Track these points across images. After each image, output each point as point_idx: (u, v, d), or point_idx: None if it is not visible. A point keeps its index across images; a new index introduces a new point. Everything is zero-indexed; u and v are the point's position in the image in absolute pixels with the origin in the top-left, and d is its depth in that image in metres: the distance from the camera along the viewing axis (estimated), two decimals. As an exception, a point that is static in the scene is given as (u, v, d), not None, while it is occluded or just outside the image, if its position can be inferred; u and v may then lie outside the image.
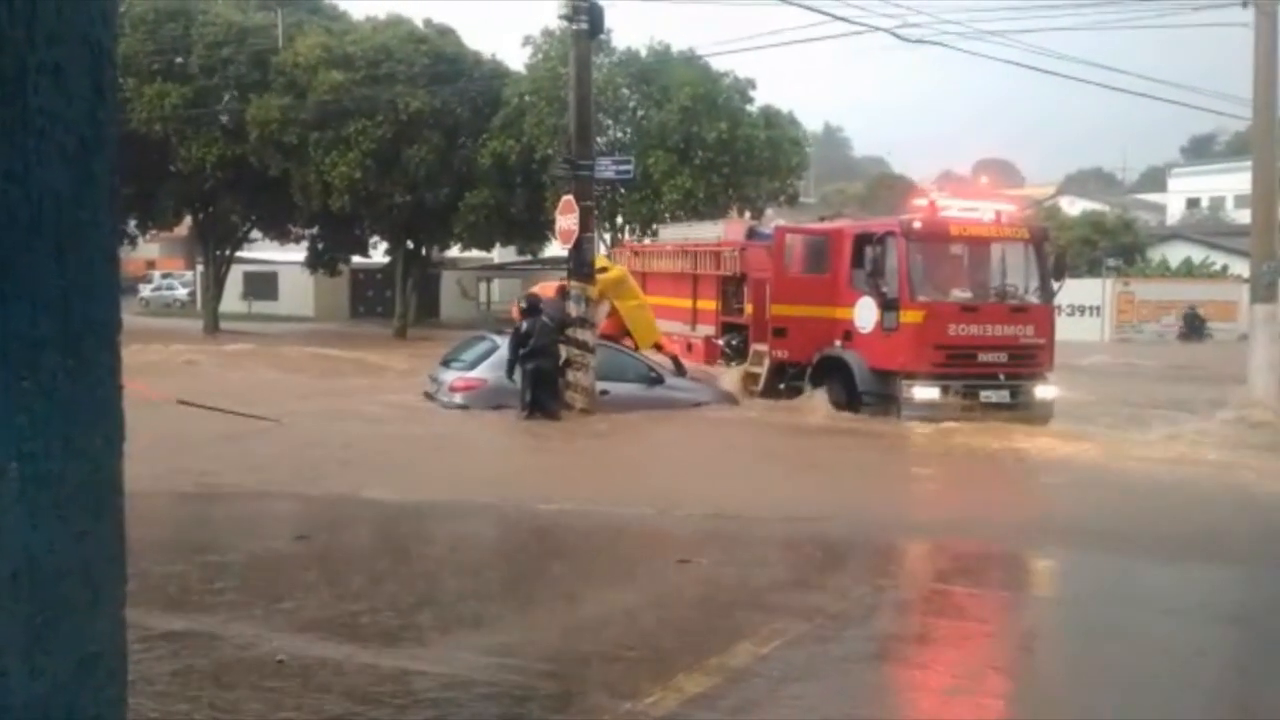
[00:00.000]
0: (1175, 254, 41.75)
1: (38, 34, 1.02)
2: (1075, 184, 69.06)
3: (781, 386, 14.34)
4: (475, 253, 38.96)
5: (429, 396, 13.70)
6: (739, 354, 15.50)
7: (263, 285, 43.98)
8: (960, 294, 13.69)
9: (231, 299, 37.35)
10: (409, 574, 6.33)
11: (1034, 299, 13.74)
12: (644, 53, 28.68)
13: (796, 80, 42.11)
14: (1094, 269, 38.34)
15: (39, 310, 1.03)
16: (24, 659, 1.02)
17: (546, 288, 14.76)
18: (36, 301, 1.03)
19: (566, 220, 14.00)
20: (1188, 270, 39.51)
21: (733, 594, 5.89)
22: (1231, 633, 5.76)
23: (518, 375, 12.66)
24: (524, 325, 12.76)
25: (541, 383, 12.65)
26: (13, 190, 1.00)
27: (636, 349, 14.78)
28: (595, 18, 13.95)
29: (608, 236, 27.10)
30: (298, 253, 37.04)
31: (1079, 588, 6.76)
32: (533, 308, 13.00)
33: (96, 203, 1.09)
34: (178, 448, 9.40)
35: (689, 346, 16.36)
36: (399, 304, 33.34)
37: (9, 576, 1.00)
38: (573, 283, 13.76)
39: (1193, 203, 58.67)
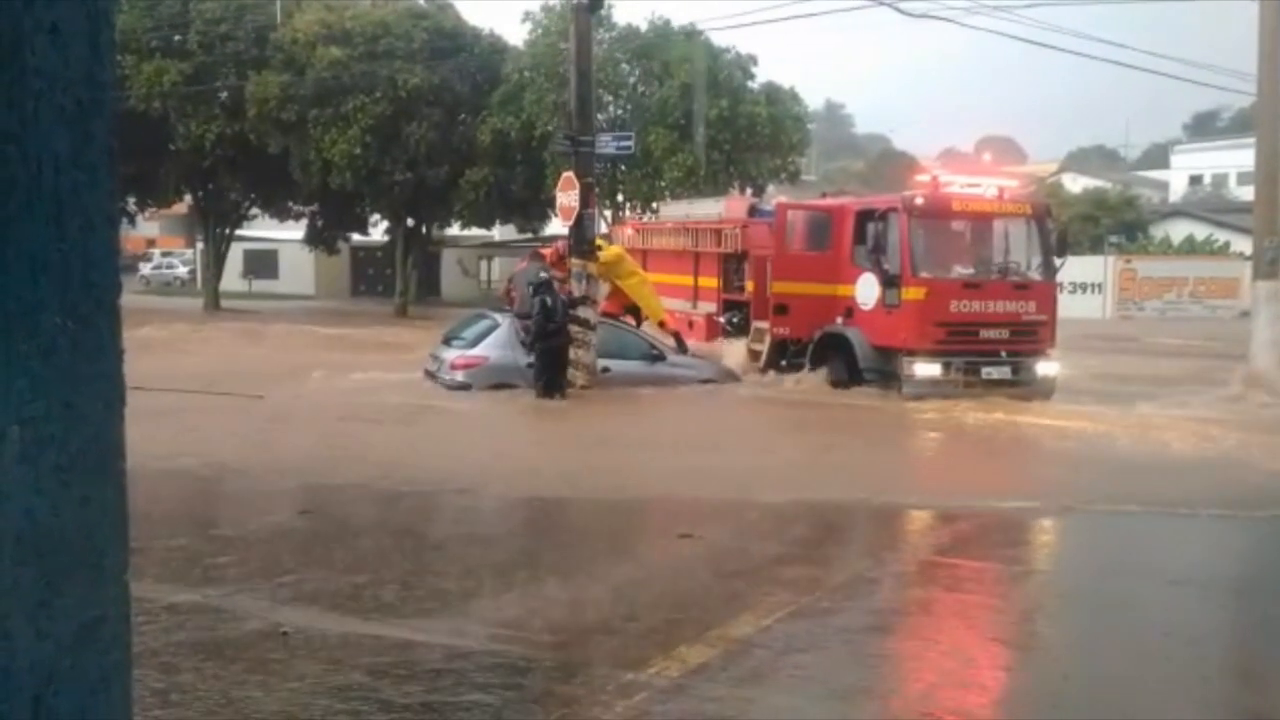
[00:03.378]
0: (1178, 231, 41.62)
1: (35, -7, 1.01)
2: (1078, 161, 68.73)
3: (783, 364, 14.34)
4: (475, 230, 38.88)
5: (430, 375, 13.70)
6: (741, 331, 15.49)
7: (263, 263, 43.90)
8: (962, 270, 13.66)
9: (231, 277, 37.30)
10: (412, 548, 6.36)
11: (1036, 275, 13.70)
12: (644, 28, 28.51)
13: (798, 57, 41.83)
14: (1096, 246, 38.22)
15: (38, 273, 1.03)
16: (29, 622, 1.02)
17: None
18: (35, 264, 1.02)
19: (567, 197, 13.95)
20: (1190, 247, 39.40)
21: (734, 567, 5.91)
22: (1235, 604, 5.79)
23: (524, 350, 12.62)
24: (547, 301, 12.59)
25: (559, 361, 12.62)
26: (11, 151, 0.99)
27: (639, 325, 14.76)
28: (596, -8, 13.83)
29: (608, 214, 27.01)
30: (298, 231, 36.94)
31: (1080, 560, 6.79)
32: (547, 285, 12.85)
33: (95, 165, 1.09)
34: (171, 424, 9.43)
35: (690, 324, 16.33)
36: (399, 282, 33.28)
37: (13, 540, 1.00)
38: (573, 260, 13.71)
39: (1195, 180, 58.44)
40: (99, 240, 1.10)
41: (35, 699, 1.02)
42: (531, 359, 12.61)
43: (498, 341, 13.21)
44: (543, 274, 13.00)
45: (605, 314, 14.22)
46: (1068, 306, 16.12)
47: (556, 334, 12.55)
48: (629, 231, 20.09)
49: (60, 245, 1.05)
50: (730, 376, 14.20)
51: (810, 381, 13.67)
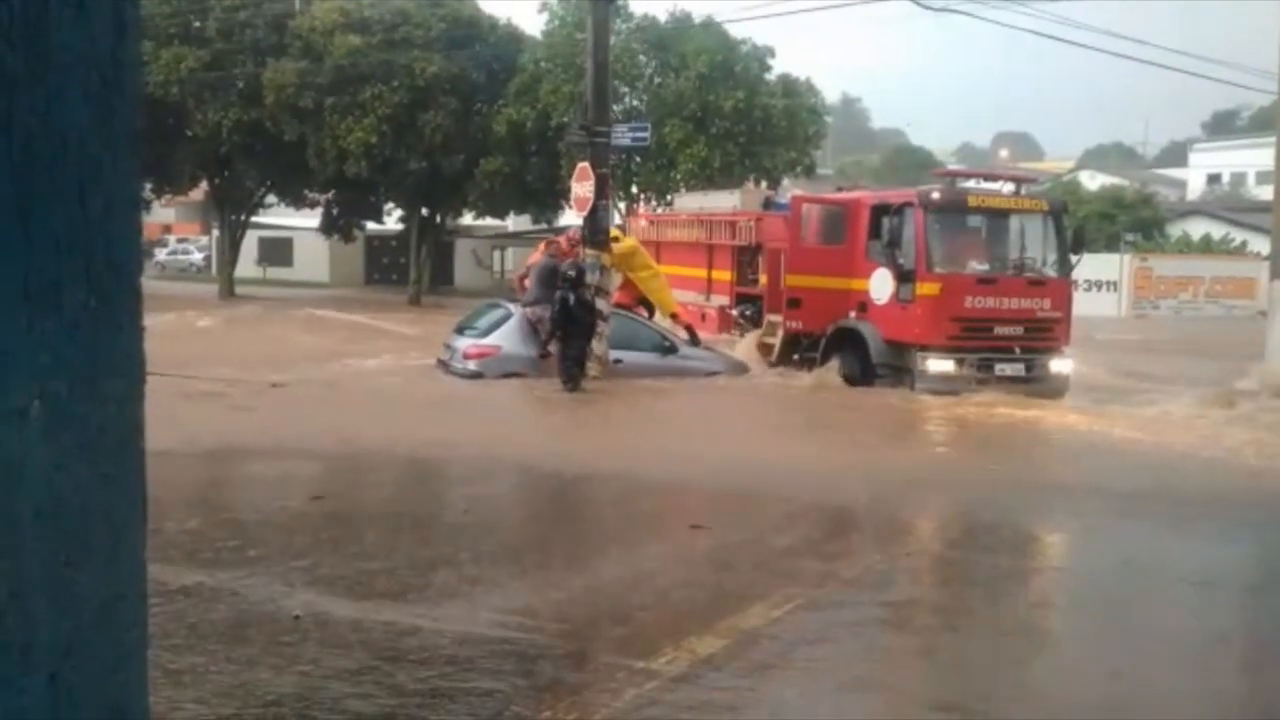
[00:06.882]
0: (1195, 230, 41.37)
1: (60, -31, 1.01)
2: (1095, 158, 68.32)
3: (795, 357, 14.31)
4: (490, 220, 38.87)
5: (443, 364, 13.73)
6: (754, 324, 15.46)
7: (278, 251, 44.00)
8: (977, 266, 13.60)
9: (246, 264, 37.40)
10: (424, 533, 6.38)
11: (1051, 272, 13.65)
12: (662, 19, 28.44)
13: (815, 50, 41.67)
14: (1112, 244, 37.98)
15: (61, 250, 1.03)
16: (48, 599, 1.02)
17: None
18: (59, 241, 1.03)
19: (582, 188, 13.94)
20: (1207, 246, 39.16)
21: (746, 558, 5.91)
22: (1250, 602, 5.76)
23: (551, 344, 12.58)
24: (571, 298, 12.54)
25: (579, 356, 12.60)
26: (35, 127, 0.99)
27: (651, 317, 14.75)
28: (613, -18, 13.80)
29: (622, 205, 26.98)
30: (313, 218, 37.04)
31: (1095, 557, 6.75)
32: (580, 279, 12.82)
33: (118, 142, 1.09)
34: (182, 409, 9.47)
35: (703, 316, 16.31)
36: (413, 271, 33.34)
37: (32, 516, 1.00)
38: (587, 250, 13.71)
39: (1214, 178, 58.06)
40: (121, 219, 1.10)
41: (52, 675, 1.02)
42: (542, 350, 12.61)
43: (510, 331, 13.23)
44: (571, 271, 12.91)
45: (618, 305, 14.21)
46: (1083, 304, 16.04)
47: (578, 335, 12.52)
48: (643, 223, 20.08)
49: (83, 222, 1.05)
50: (742, 369, 14.18)
51: (822, 376, 13.64)
